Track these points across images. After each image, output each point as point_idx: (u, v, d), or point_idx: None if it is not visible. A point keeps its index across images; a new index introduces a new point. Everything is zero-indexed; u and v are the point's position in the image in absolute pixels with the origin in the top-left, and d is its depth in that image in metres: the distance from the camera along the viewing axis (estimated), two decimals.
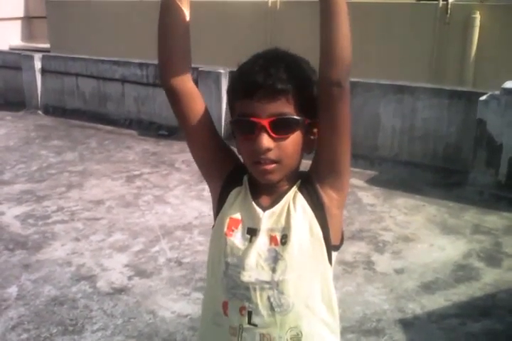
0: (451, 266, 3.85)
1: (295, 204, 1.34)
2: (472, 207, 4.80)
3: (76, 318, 3.27)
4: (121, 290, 3.57)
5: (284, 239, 1.31)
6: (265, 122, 1.26)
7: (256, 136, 1.27)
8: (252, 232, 1.35)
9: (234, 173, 1.41)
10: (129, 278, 3.73)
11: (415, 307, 3.36)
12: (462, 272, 3.77)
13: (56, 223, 4.60)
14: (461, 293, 3.52)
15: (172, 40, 1.37)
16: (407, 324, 3.21)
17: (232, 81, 1.38)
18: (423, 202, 4.96)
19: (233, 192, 1.40)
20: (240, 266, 1.33)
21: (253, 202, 1.37)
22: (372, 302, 3.40)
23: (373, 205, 4.89)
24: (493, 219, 4.58)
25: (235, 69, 1.37)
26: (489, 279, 3.68)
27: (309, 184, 1.35)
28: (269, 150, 1.28)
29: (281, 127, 1.27)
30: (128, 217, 4.71)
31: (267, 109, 1.26)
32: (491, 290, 3.55)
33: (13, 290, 3.58)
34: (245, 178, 1.42)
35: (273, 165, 1.30)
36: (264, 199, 1.38)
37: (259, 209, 1.36)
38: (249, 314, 1.32)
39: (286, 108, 1.27)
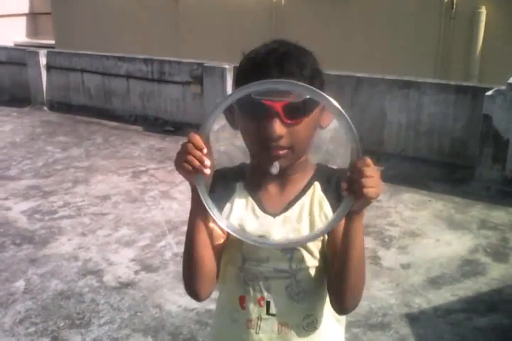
0: (458, 261, 3.84)
1: (313, 206, 1.30)
2: (478, 203, 4.79)
3: (83, 312, 3.29)
4: (127, 285, 3.58)
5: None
6: (278, 106, 1.17)
7: (267, 121, 1.19)
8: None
9: (218, 192, 1.31)
10: (136, 272, 3.74)
11: (421, 302, 3.36)
12: (469, 267, 3.77)
13: (63, 218, 4.61)
14: (468, 287, 3.52)
15: (204, 276, 1.31)
16: (413, 318, 3.21)
17: (240, 68, 1.28)
18: (429, 197, 4.95)
19: (227, 206, 1.33)
20: (257, 259, 1.32)
21: (257, 208, 1.33)
22: (378, 297, 3.40)
23: (379, 201, 4.88)
24: (500, 215, 4.57)
25: (239, 64, 1.29)
26: (496, 274, 3.68)
27: (334, 182, 1.31)
28: (281, 137, 1.20)
29: (296, 111, 1.19)
30: (134, 212, 4.72)
31: (280, 92, 1.16)
32: (498, 285, 3.54)
33: (20, 284, 3.59)
34: (239, 185, 1.35)
35: (285, 151, 1.23)
36: (272, 203, 1.33)
37: (266, 215, 1.32)
38: (268, 304, 1.33)
39: (298, 97, 1.17)
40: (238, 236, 1.23)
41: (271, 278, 1.32)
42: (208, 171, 1.15)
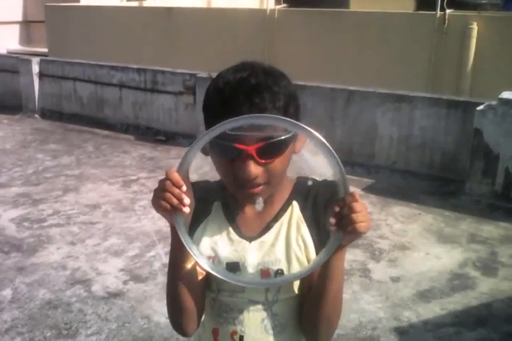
0: (447, 275, 3.85)
1: (290, 228, 1.26)
2: (468, 217, 4.81)
3: (70, 322, 3.26)
4: (116, 295, 3.55)
5: (280, 273, 1.24)
6: (252, 149, 1.11)
7: (241, 162, 1.13)
8: (233, 267, 1.25)
9: (197, 211, 1.23)
10: (124, 282, 3.71)
11: (411, 316, 3.36)
12: (458, 281, 3.77)
13: (52, 226, 4.58)
14: (457, 301, 3.52)
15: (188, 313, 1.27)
16: (402, 332, 3.21)
17: (209, 99, 1.20)
18: (419, 210, 4.96)
19: (200, 227, 1.29)
20: (231, 289, 1.26)
21: (232, 232, 1.27)
22: (367, 310, 3.39)
23: (370, 213, 4.82)
24: (490, 229, 4.59)
25: (207, 90, 1.22)
26: (485, 288, 3.68)
27: (312, 199, 1.27)
28: (256, 177, 1.15)
29: (270, 152, 1.14)
30: (124, 221, 4.70)
31: (253, 134, 1.10)
32: (487, 300, 3.55)
33: (7, 293, 3.56)
34: (216, 205, 1.30)
35: (260, 188, 1.18)
36: (249, 227, 1.28)
37: (241, 240, 1.27)
38: (241, 338, 1.28)
39: (274, 129, 1.11)
40: (221, 277, 1.18)
41: (246, 311, 1.26)
42: (187, 210, 1.10)
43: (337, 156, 1.07)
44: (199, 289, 1.27)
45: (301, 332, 1.28)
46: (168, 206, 1.10)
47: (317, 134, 1.06)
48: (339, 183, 1.09)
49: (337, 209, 1.09)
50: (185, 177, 1.12)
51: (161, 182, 1.11)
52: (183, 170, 1.13)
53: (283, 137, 1.12)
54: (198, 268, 1.25)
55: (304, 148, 1.26)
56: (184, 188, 1.10)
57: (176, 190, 1.09)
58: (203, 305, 1.29)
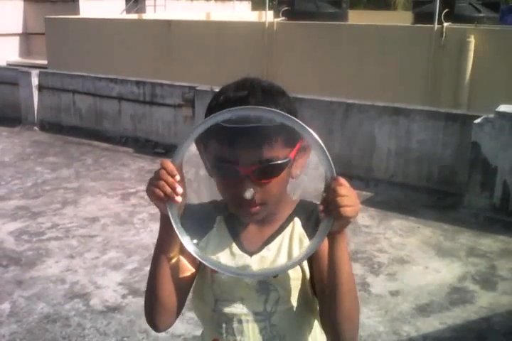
0: (446, 289, 3.85)
1: (292, 242, 1.28)
2: (467, 230, 4.81)
3: (69, 336, 3.25)
4: (114, 309, 3.55)
5: (276, 275, 1.26)
6: (248, 171, 1.16)
7: (238, 182, 1.18)
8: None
9: (199, 222, 1.29)
10: (123, 296, 3.70)
11: (410, 330, 3.35)
12: (457, 295, 3.77)
13: (50, 240, 4.58)
14: (456, 316, 3.52)
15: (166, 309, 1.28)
16: None
17: (210, 113, 1.19)
18: (418, 224, 4.97)
19: (203, 240, 1.31)
20: (230, 299, 1.28)
21: (235, 246, 1.30)
22: (367, 325, 3.39)
23: (368, 226, 4.90)
24: (488, 242, 4.59)
25: (209, 104, 1.27)
26: (484, 302, 3.68)
27: (315, 218, 1.26)
28: (252, 196, 1.18)
29: (265, 174, 1.18)
30: (123, 234, 4.70)
31: (249, 156, 1.16)
32: (486, 314, 3.54)
33: (5, 307, 3.55)
34: (218, 219, 1.33)
35: (258, 207, 1.22)
36: (250, 241, 1.30)
37: (243, 254, 1.28)
38: None
39: (270, 152, 1.17)
40: (211, 266, 1.20)
41: (245, 321, 1.28)
42: (179, 199, 1.14)
43: (321, 142, 1.09)
44: (182, 287, 1.28)
45: (327, 336, 1.26)
46: (162, 194, 1.14)
47: (301, 123, 1.09)
48: (326, 171, 1.11)
49: (324, 194, 1.11)
50: (179, 168, 1.16)
51: (156, 172, 1.15)
52: (178, 160, 1.17)
53: (278, 161, 1.17)
54: (188, 265, 1.28)
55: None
56: (178, 178, 1.14)
57: (170, 179, 1.13)
58: (182, 303, 1.30)
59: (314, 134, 1.09)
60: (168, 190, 1.13)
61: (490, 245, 4.55)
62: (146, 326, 3.29)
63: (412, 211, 5.22)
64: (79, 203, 5.43)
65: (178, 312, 1.30)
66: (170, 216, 1.17)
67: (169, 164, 1.15)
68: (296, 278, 1.27)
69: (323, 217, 1.11)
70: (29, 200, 5.50)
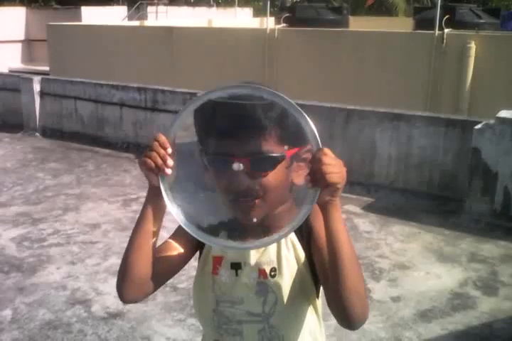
0: (448, 295, 3.84)
1: (285, 238, 1.30)
2: (468, 235, 4.81)
3: None
4: (116, 315, 3.55)
5: (273, 272, 1.29)
6: (242, 161, 1.18)
7: (232, 173, 1.19)
8: (235, 266, 1.32)
9: None
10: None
11: (412, 336, 3.35)
12: (458, 300, 3.77)
13: (52, 246, 4.58)
14: (458, 321, 3.51)
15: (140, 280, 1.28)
16: None
17: (204, 113, 1.23)
18: (419, 229, 4.97)
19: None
20: (230, 300, 1.31)
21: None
22: (368, 330, 3.38)
23: (369, 232, 4.90)
24: (490, 248, 4.59)
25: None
26: (486, 308, 3.67)
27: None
28: (248, 188, 1.20)
29: (259, 165, 1.20)
30: (124, 241, 4.67)
31: (244, 148, 1.18)
32: (488, 319, 3.54)
33: (7, 314, 3.55)
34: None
35: (253, 202, 1.22)
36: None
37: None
38: None
39: (264, 145, 1.19)
40: (197, 237, 1.22)
41: (244, 322, 1.30)
42: (169, 171, 1.18)
43: (306, 115, 1.13)
44: (163, 264, 1.29)
45: (338, 318, 1.20)
46: (153, 164, 1.18)
47: (287, 98, 1.13)
48: (312, 143, 1.14)
49: (310, 165, 1.13)
50: (172, 142, 1.20)
51: (150, 144, 1.20)
52: (171, 134, 1.21)
53: (272, 154, 1.19)
54: (175, 244, 1.33)
55: None
56: (169, 150, 1.18)
57: (162, 151, 1.18)
58: (158, 282, 1.30)
59: (298, 108, 1.13)
60: (159, 161, 1.17)
61: (491, 250, 4.54)
62: (148, 332, 3.31)
63: (413, 216, 5.22)
64: (80, 209, 5.44)
65: (150, 290, 1.29)
66: (160, 185, 1.21)
67: (162, 137, 1.19)
68: (291, 276, 1.29)
69: (310, 188, 1.13)
70: (30, 206, 5.51)
